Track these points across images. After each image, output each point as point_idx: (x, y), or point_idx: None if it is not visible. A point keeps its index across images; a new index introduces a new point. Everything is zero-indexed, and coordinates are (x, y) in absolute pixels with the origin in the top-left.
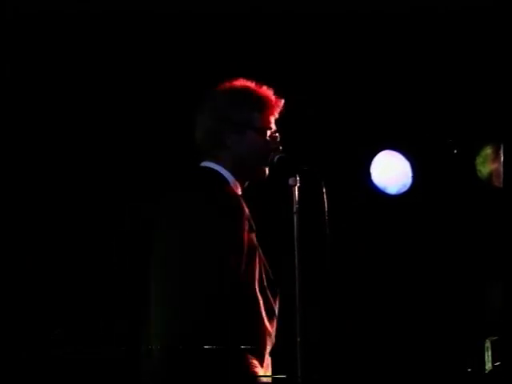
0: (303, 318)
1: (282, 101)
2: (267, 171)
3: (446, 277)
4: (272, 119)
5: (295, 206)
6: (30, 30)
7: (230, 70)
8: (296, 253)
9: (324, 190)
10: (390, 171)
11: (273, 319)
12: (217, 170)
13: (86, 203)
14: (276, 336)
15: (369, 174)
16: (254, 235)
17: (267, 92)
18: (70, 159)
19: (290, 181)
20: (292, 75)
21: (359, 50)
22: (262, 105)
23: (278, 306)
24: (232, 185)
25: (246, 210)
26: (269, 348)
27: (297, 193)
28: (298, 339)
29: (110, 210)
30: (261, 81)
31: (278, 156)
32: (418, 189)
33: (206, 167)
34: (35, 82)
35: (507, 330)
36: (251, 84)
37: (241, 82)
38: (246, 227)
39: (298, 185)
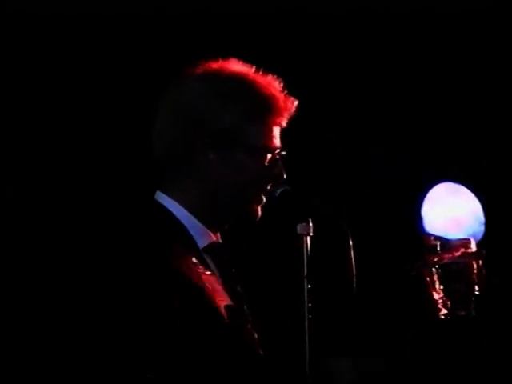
0: None
1: (295, 102)
2: (260, 211)
3: None
4: (277, 132)
5: (306, 267)
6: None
7: None
8: (306, 334)
9: (351, 243)
10: (451, 213)
11: None
12: (171, 213)
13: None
14: None
15: (419, 218)
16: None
17: (273, 86)
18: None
19: (300, 228)
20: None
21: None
22: (265, 108)
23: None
24: (195, 236)
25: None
26: None
27: (309, 245)
28: None
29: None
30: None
31: (280, 189)
32: (491, 239)
33: (156, 205)
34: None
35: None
36: (247, 70)
37: (231, 66)
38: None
39: (311, 234)
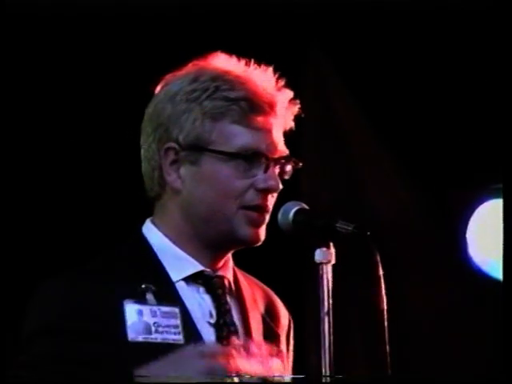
0: None
1: (288, 96)
2: (260, 234)
3: None
4: (263, 133)
5: (326, 302)
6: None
7: None
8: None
9: (381, 272)
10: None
11: None
12: (147, 243)
13: None
14: None
15: (464, 241)
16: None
17: (254, 83)
18: None
19: (318, 254)
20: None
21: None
22: (238, 107)
23: None
24: (169, 266)
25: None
26: None
27: (330, 275)
28: None
29: None
30: None
31: (296, 208)
32: None
33: (137, 235)
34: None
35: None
36: (231, 67)
37: (213, 64)
38: None
39: (333, 261)
